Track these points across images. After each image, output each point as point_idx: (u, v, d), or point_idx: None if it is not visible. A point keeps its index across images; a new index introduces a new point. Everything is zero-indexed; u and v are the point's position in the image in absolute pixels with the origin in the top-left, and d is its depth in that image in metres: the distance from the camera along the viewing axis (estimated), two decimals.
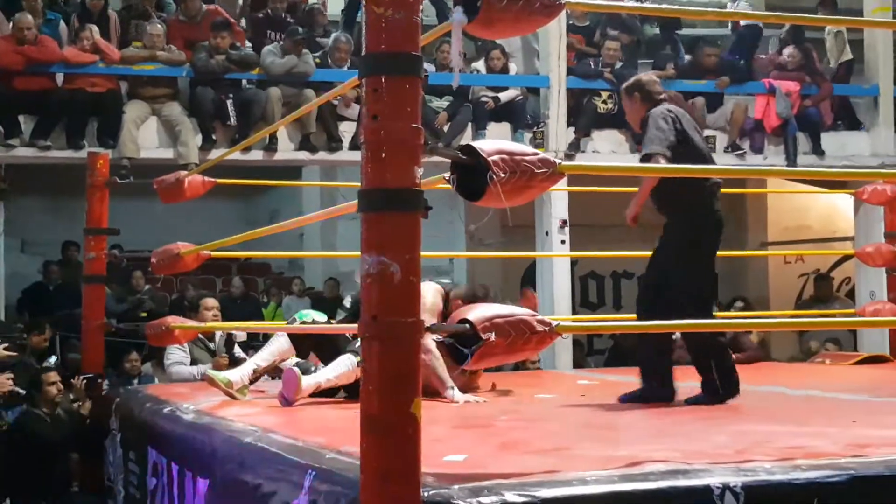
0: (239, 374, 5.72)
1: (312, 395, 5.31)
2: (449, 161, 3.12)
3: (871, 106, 11.41)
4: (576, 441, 3.82)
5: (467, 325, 3.07)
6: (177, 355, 7.33)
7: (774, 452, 3.35)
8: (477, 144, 3.09)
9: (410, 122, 2.74)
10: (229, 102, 9.30)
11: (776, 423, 4.33)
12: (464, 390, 5.56)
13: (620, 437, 4.05)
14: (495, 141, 3.21)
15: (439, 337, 3.26)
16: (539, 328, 3.16)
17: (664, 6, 5.59)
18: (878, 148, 11.29)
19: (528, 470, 3.06)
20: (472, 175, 3.10)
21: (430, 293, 5.77)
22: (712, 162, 5.37)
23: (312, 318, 5.99)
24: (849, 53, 11.60)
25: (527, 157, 3.15)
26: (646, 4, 9.92)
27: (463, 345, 3.11)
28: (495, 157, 3.07)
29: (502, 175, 3.06)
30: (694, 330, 4.88)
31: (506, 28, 3.23)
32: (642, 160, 4.98)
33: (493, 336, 3.06)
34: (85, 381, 7.03)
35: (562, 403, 5.55)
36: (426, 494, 2.73)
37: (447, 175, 3.14)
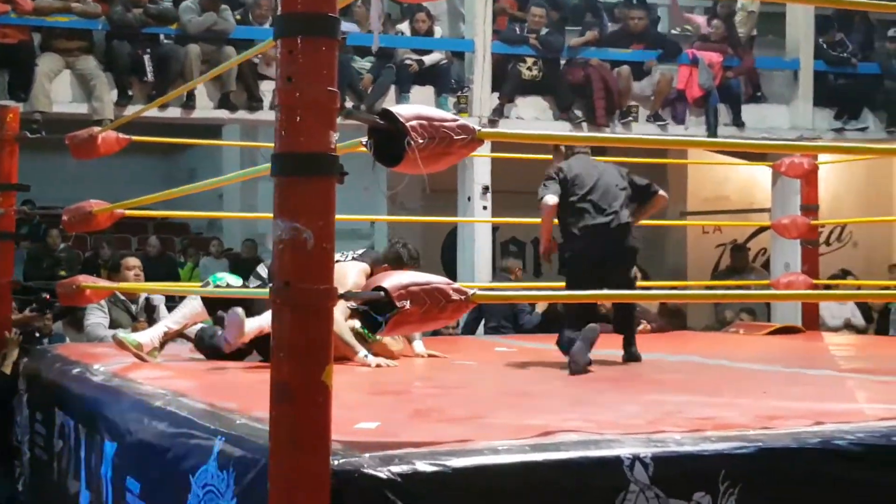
0: (149, 337, 5.62)
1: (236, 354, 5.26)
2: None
3: (791, 79, 11.55)
4: (490, 409, 3.80)
5: (382, 293, 3.03)
6: (95, 315, 7.15)
7: (685, 423, 3.36)
8: (395, 109, 3.04)
9: (326, 84, 2.68)
10: (146, 58, 9.11)
11: (689, 393, 4.36)
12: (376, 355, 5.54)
13: (535, 405, 4.04)
14: (414, 106, 3.16)
15: (353, 304, 3.20)
16: (455, 297, 3.13)
17: None
18: (797, 121, 11.44)
19: (440, 438, 3.03)
20: (390, 140, 3.05)
21: (354, 273, 5.71)
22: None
23: (227, 282, 5.89)
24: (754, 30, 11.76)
25: (446, 124, 3.10)
26: None
27: (377, 312, 3.07)
28: (413, 123, 3.02)
29: (420, 141, 3.01)
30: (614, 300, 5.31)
31: None
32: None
33: (407, 304, 3.03)
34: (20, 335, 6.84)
35: (479, 371, 5.56)
36: (336, 463, 2.69)
37: (364, 140, 3.09)
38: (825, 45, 11.61)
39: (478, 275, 10.05)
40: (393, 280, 3.09)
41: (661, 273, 12.19)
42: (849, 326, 11.13)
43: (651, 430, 3.21)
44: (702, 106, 10.98)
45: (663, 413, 3.63)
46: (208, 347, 5.65)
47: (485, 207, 10.21)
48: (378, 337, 5.54)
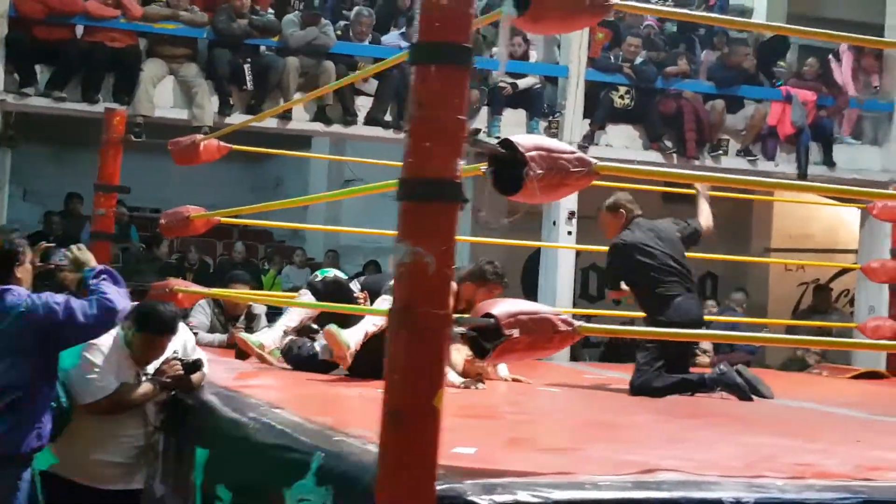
0: (271, 338, 5.72)
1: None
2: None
3: (886, 121, 11.40)
4: (584, 441, 3.81)
5: (491, 320, 3.05)
6: (198, 319, 7.17)
7: (785, 469, 3.34)
8: (515, 139, 3.07)
9: (456, 112, 2.72)
10: (247, 67, 9.26)
11: (783, 436, 4.31)
12: (464, 375, 5.57)
13: (629, 438, 4.04)
14: (534, 136, 3.19)
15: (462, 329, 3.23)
16: (562, 328, 3.15)
17: (694, 13, 5.60)
18: (889, 163, 11.28)
19: (539, 469, 3.05)
20: (508, 169, 3.09)
21: None
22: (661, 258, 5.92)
23: (334, 274, 6.01)
24: None
25: (564, 155, 3.13)
26: (674, 9, 9.84)
27: (485, 339, 3.10)
28: (533, 153, 3.06)
29: (539, 171, 3.04)
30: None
31: (553, 24, 3.22)
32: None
33: (516, 332, 3.05)
34: None
35: (565, 398, 5.56)
36: (440, 488, 2.72)
37: (484, 167, 3.13)
38: None
39: (559, 300, 10.03)
40: (503, 307, 3.11)
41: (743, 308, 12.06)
42: None
43: (751, 475, 3.19)
44: (793, 143, 10.88)
45: (761, 457, 3.61)
46: (295, 359, 5.73)
47: (570, 233, 10.20)
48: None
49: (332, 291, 5.87)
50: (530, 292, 10.96)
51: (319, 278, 6.07)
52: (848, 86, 11.29)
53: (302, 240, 14.89)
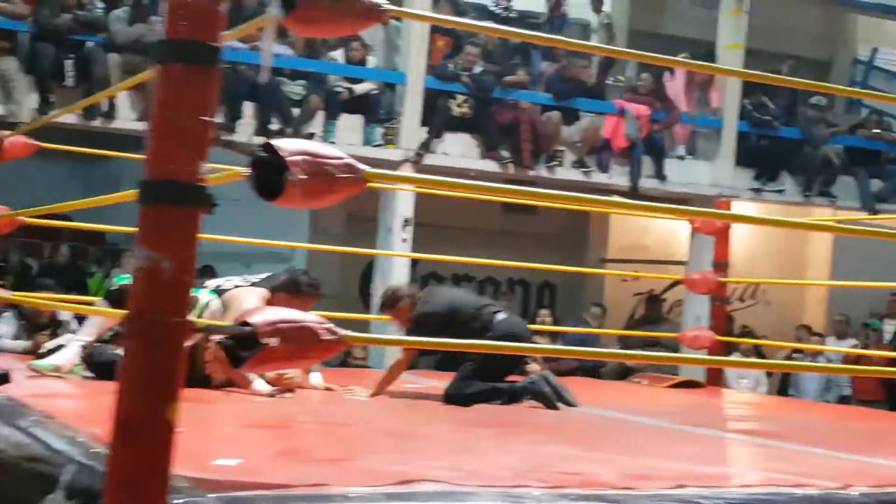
0: (65, 359, 5.44)
1: None
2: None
3: (715, 137, 11.71)
4: (363, 451, 3.77)
5: (248, 328, 2.98)
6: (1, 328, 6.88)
7: (550, 478, 3.35)
8: (277, 143, 3.01)
9: (201, 113, 2.64)
10: (68, 63, 8.97)
11: (571, 445, 4.34)
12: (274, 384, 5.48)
13: (412, 448, 4.01)
14: (299, 141, 3.13)
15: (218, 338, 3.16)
16: (325, 336, 3.10)
17: (521, 31, 5.62)
18: (718, 178, 11.59)
19: (296, 480, 2.99)
20: (271, 173, 3.02)
21: (252, 299, 5.67)
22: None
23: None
24: None
25: (330, 161, 3.08)
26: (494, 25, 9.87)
27: (243, 348, 3.03)
28: (296, 158, 2.99)
29: (301, 176, 2.99)
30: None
31: (325, 27, 3.14)
32: None
33: (274, 341, 2.99)
34: None
35: (369, 407, 5.52)
36: (176, 503, 2.64)
37: (245, 170, 3.06)
38: (750, 107, 11.79)
39: None
40: (261, 315, 3.04)
41: (575, 317, 12.24)
42: (757, 383, 11.26)
43: (513, 484, 3.19)
44: (626, 156, 11.08)
45: (535, 466, 3.61)
46: (98, 366, 5.53)
47: (404, 240, 10.19)
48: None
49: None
50: (369, 301, 10.92)
51: (116, 286, 5.86)
52: (680, 101, 11.56)
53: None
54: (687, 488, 3.32)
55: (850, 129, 12.88)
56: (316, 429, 4.41)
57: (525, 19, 12.03)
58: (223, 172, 3.08)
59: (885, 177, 12.55)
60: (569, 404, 5.96)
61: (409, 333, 6.08)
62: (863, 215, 11.69)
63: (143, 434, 2.54)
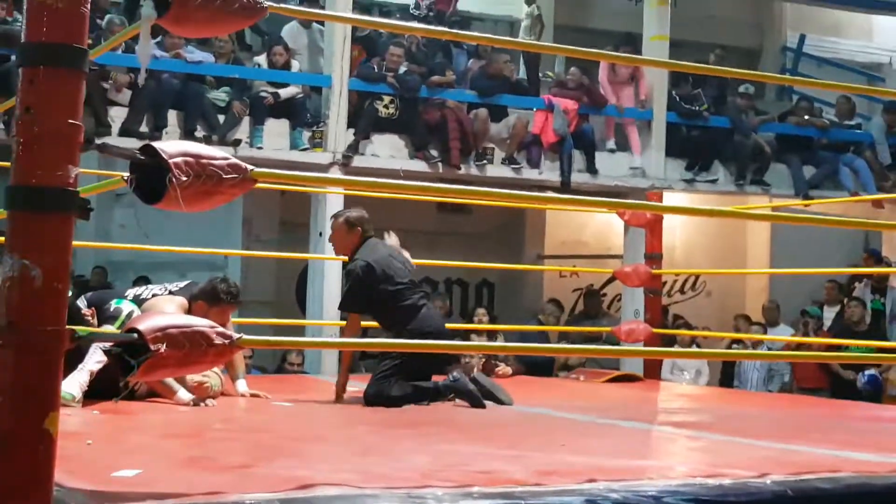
0: (79, 388, 5.09)
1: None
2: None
3: (646, 129, 11.73)
4: (270, 457, 3.69)
5: (135, 335, 2.90)
6: None
7: (459, 478, 3.30)
8: (159, 145, 2.94)
9: (69, 116, 2.56)
10: None
11: (487, 444, 4.30)
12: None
13: (321, 452, 3.95)
14: (182, 143, 3.06)
15: (105, 346, 3.07)
16: (217, 341, 3.03)
17: (439, 28, 5.59)
18: (649, 170, 11.61)
19: (196, 489, 2.93)
20: (154, 176, 2.95)
21: (170, 308, 5.57)
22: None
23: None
24: None
25: (215, 162, 3.01)
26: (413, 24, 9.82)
27: (132, 355, 2.95)
28: (178, 160, 2.92)
29: (183, 178, 2.91)
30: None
31: (200, 26, 3.08)
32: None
33: (163, 347, 2.91)
34: None
35: (291, 413, 5.45)
36: None
37: (126, 175, 2.98)
38: (678, 98, 11.83)
39: (326, 313, 9.90)
40: (150, 321, 2.97)
41: (518, 316, 12.23)
42: (699, 374, 11.30)
43: (418, 485, 3.14)
44: (556, 151, 11.07)
45: (446, 465, 3.57)
46: None
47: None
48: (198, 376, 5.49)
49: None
50: (305, 306, 10.83)
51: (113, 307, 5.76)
52: (608, 94, 11.58)
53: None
54: (596, 483, 3.28)
55: (780, 117, 12.96)
56: (226, 436, 4.33)
57: (442, 17, 12.01)
58: (105, 181, 2.98)
59: (817, 163, 12.65)
60: (502, 403, 5.93)
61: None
62: (797, 202, 11.77)
63: (22, 447, 2.47)
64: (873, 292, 11.96)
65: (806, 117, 12.74)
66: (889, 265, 12.46)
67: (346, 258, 6.23)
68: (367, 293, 5.89)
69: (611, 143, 11.65)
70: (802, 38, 15.92)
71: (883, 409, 8.20)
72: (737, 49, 15.25)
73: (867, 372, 10.31)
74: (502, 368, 8.48)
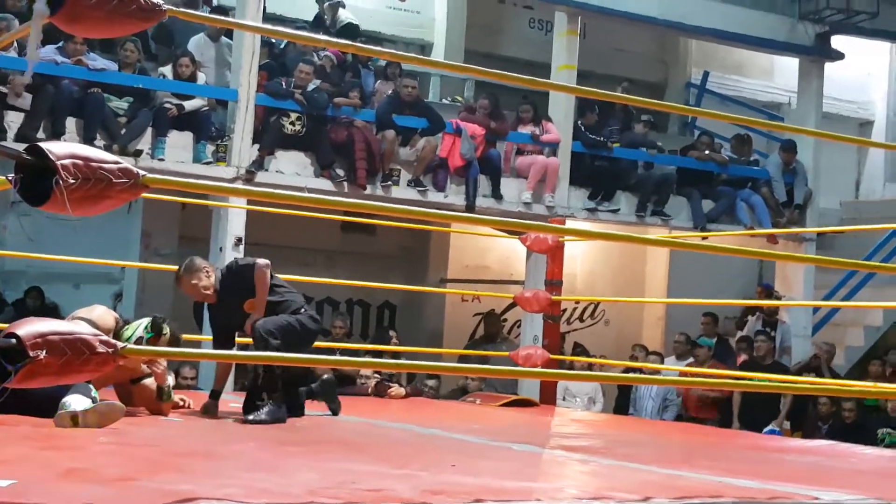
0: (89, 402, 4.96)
1: None
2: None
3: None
4: (154, 471, 3.62)
5: (13, 340, 2.82)
6: None
7: (346, 495, 3.28)
8: (46, 146, 2.87)
9: None
10: None
11: (379, 462, 4.27)
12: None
13: (207, 468, 3.88)
14: (71, 144, 2.99)
15: None
16: (100, 349, 2.97)
17: (347, 42, 5.57)
18: (555, 198, 11.70)
19: (73, 501, 2.87)
20: (42, 178, 2.88)
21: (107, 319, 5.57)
22: None
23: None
24: None
25: (105, 165, 2.96)
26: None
27: (9, 361, 2.86)
28: (66, 161, 2.86)
29: (71, 181, 2.85)
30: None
31: (95, 26, 3.02)
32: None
33: (43, 354, 2.83)
34: None
35: (181, 428, 5.36)
36: None
37: (10, 176, 2.90)
38: (583, 127, 11.97)
39: None
40: (29, 327, 2.89)
41: (418, 338, 12.22)
42: (592, 402, 11.39)
43: (302, 501, 3.10)
44: (463, 175, 11.10)
45: (335, 482, 3.54)
46: None
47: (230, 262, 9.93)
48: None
49: None
50: (202, 321, 10.66)
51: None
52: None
53: None
54: (483, 503, 3.28)
55: (682, 151, 13.19)
56: (110, 450, 4.23)
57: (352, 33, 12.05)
58: None
59: (716, 197, 12.89)
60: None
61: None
62: (695, 234, 11.97)
63: None
64: (765, 326, 12.19)
65: (706, 152, 12.96)
66: (779, 300, 12.74)
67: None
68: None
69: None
70: (706, 75, 16.26)
71: (767, 438, 8.38)
72: (643, 83, 15.51)
73: (768, 429, 10.49)
74: (395, 389, 8.54)
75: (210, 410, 5.90)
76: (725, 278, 14.08)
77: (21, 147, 2.87)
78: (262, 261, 5.95)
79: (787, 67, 15.50)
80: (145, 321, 5.74)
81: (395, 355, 9.90)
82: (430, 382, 10.02)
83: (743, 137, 13.57)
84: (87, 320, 4.99)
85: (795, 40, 13.41)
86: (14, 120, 9.34)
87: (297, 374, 6.02)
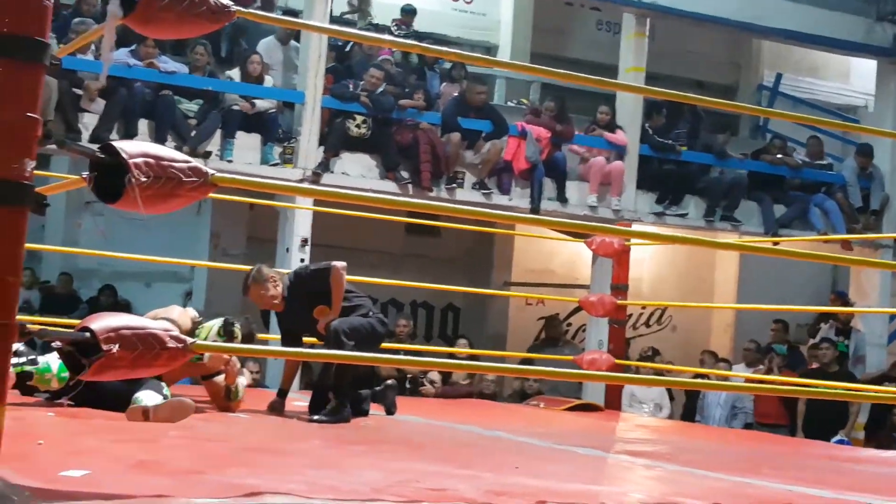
0: (160, 398, 5.07)
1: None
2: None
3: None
4: (219, 465, 3.66)
5: (87, 334, 2.88)
6: None
7: (410, 494, 3.29)
8: (119, 144, 2.92)
9: (27, 110, 2.55)
10: None
11: (441, 462, 4.27)
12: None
13: (274, 463, 3.91)
14: (143, 143, 3.04)
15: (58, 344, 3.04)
16: (171, 344, 3.01)
17: (414, 43, 5.60)
18: (619, 201, 11.64)
19: (141, 491, 2.90)
20: (115, 176, 2.93)
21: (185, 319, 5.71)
22: None
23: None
24: None
25: (175, 164, 3.00)
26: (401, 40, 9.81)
27: (83, 354, 2.92)
28: (138, 160, 2.90)
29: (143, 179, 2.89)
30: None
31: (166, 27, 3.07)
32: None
33: (115, 348, 2.88)
34: None
35: (248, 423, 5.42)
36: None
37: (86, 173, 2.96)
38: (651, 130, 11.88)
39: None
40: (103, 321, 2.94)
41: (481, 340, 12.21)
42: (658, 409, 11.30)
43: (365, 499, 3.12)
44: (527, 178, 11.08)
45: (398, 481, 3.55)
46: None
47: (302, 260, 10.04)
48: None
49: None
50: (269, 320, 10.76)
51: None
52: None
53: (37, 260, 14.16)
54: None
55: (753, 155, 13.04)
56: (179, 443, 4.28)
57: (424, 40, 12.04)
58: (63, 181, 2.95)
59: (788, 202, 12.73)
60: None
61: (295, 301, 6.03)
62: (766, 239, 11.82)
63: None
64: (838, 334, 11.99)
65: (779, 156, 12.80)
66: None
67: None
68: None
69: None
70: (779, 78, 16.05)
71: (838, 448, 8.24)
72: (713, 85, 15.37)
73: (836, 438, 10.33)
74: (426, 388, 8.98)
75: (276, 408, 5.95)
76: (797, 285, 13.86)
77: None
78: (339, 263, 5.98)
79: (864, 69, 15.24)
80: (218, 323, 5.79)
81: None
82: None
83: (818, 139, 13.34)
84: (168, 320, 5.07)
85: (873, 41, 13.17)
86: (89, 122, 9.50)
87: (363, 375, 6.07)
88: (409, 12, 12.49)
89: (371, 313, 6.05)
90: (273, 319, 10.35)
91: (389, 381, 6.54)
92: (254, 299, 6.11)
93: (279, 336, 6.42)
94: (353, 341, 5.70)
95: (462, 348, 10.16)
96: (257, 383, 9.20)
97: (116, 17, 2.93)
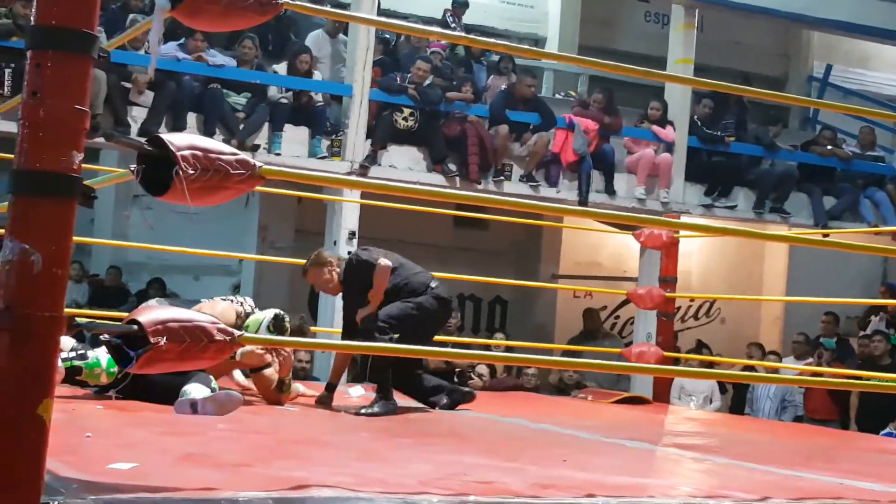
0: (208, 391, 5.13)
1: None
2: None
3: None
4: (267, 457, 3.67)
5: (135, 327, 2.88)
6: None
7: (458, 486, 3.28)
8: (167, 137, 2.92)
9: (75, 102, 2.55)
10: (7, 72, 8.78)
11: (488, 455, 4.26)
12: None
13: (319, 456, 3.92)
14: (191, 135, 3.04)
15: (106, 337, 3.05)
16: (218, 337, 3.01)
17: (461, 34, 5.59)
18: (667, 193, 11.55)
19: (188, 485, 2.91)
20: (162, 169, 2.93)
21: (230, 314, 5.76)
22: None
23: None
24: None
25: (223, 157, 2.99)
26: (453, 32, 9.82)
27: (131, 347, 2.93)
28: (186, 153, 2.90)
29: (191, 171, 2.89)
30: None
31: (213, 19, 3.07)
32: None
33: (163, 340, 2.89)
34: None
35: (295, 417, 5.44)
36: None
37: (133, 166, 2.96)
38: (699, 122, 11.78)
39: (338, 320, 9.85)
40: (151, 314, 2.95)
41: (526, 333, 12.17)
42: (708, 401, 11.21)
43: (415, 491, 3.11)
44: (575, 170, 11.03)
45: (446, 474, 3.54)
46: None
47: (349, 253, 10.04)
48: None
49: None
50: (317, 313, 10.81)
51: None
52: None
53: (86, 254, 14.33)
54: (595, 498, 3.26)
55: (803, 146, 12.90)
56: (226, 436, 4.31)
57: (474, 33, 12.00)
58: (111, 174, 2.96)
59: (837, 194, 12.59)
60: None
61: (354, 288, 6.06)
62: (816, 231, 11.68)
63: (14, 433, 2.44)
64: (888, 326, 11.84)
65: (829, 147, 12.65)
66: None
67: None
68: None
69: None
70: (829, 69, 15.86)
71: (889, 441, 8.12)
72: (762, 77, 15.19)
73: (885, 431, 10.18)
74: (474, 381, 9.03)
75: (325, 402, 5.97)
76: (847, 278, 13.69)
77: None
78: (383, 262, 5.97)
79: None
80: (268, 316, 5.81)
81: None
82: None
83: (871, 129, 13.17)
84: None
85: None
86: (137, 115, 9.57)
87: (435, 368, 6.10)
88: (461, 4, 12.45)
89: (428, 289, 6.04)
90: (320, 311, 10.49)
91: (467, 390, 6.60)
92: (311, 281, 6.23)
93: (325, 329, 6.46)
94: (395, 332, 5.69)
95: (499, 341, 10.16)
96: (306, 374, 9.24)
97: (164, 10, 2.94)
